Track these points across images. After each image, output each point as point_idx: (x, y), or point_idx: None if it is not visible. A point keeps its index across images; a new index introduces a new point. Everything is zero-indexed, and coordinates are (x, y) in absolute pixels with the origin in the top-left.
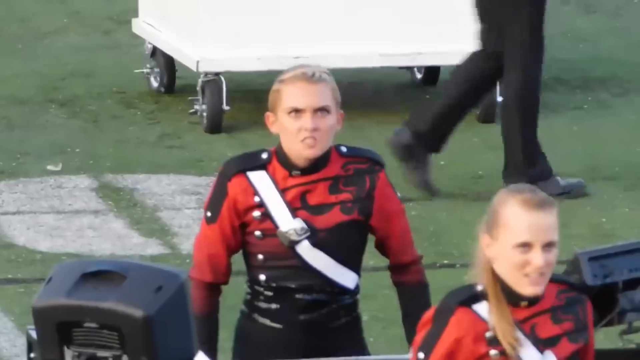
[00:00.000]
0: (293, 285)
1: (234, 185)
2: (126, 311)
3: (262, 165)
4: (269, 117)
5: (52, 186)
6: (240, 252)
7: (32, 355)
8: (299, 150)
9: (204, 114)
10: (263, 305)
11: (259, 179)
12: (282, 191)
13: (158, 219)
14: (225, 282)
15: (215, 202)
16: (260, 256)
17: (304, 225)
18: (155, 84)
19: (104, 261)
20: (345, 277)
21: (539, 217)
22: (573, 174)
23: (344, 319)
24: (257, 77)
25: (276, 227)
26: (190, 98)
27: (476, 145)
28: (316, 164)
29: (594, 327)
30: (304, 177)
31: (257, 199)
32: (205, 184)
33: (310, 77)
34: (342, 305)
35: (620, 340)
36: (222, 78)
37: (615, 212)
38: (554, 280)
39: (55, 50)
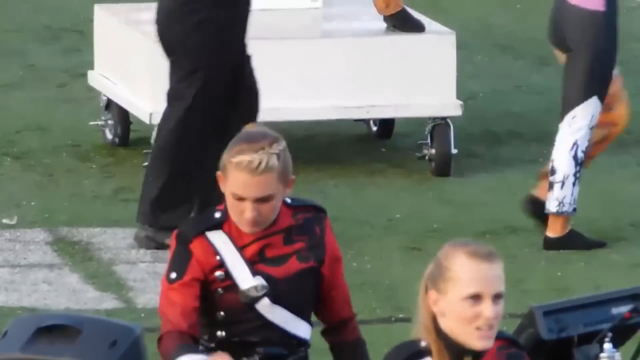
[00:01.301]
0: (253, 339)
1: (196, 247)
2: None
3: (218, 224)
4: (220, 177)
5: (7, 239)
6: None
7: None
8: (241, 225)
9: None
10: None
11: (218, 238)
12: (241, 249)
13: (113, 273)
14: (197, 337)
15: (179, 264)
16: (221, 313)
17: (263, 282)
18: (109, 136)
19: (59, 315)
20: (302, 329)
21: (487, 268)
22: (528, 226)
23: None
24: None
25: (236, 285)
26: (145, 151)
27: (431, 198)
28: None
29: None
30: (261, 231)
31: (218, 258)
32: None
33: (254, 170)
34: (297, 358)
35: None
36: None
37: (571, 266)
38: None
39: (10, 102)
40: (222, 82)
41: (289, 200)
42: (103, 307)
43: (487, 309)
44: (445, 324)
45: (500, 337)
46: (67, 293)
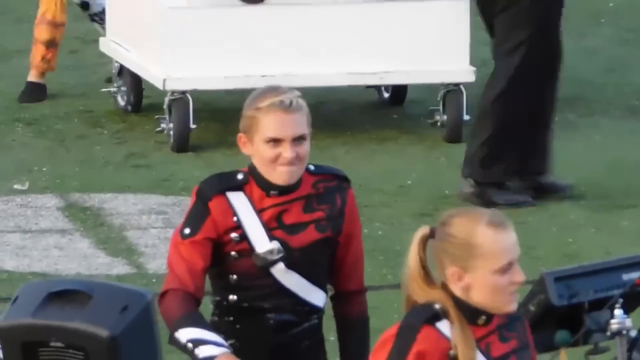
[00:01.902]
0: (265, 306)
1: (215, 206)
2: (92, 331)
3: (240, 186)
4: (242, 138)
5: (19, 205)
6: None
7: None
8: (276, 177)
9: (171, 132)
10: (231, 325)
11: (238, 199)
12: (259, 212)
13: (124, 238)
14: (201, 301)
15: (195, 220)
16: (234, 277)
17: (279, 247)
18: (122, 103)
19: (70, 281)
20: (315, 296)
21: (511, 236)
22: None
23: (310, 340)
24: (223, 96)
25: (252, 249)
26: (157, 117)
27: (443, 165)
28: (292, 185)
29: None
30: (281, 197)
31: (235, 219)
32: (172, 203)
33: (287, 107)
34: (310, 326)
35: None
36: (189, 97)
37: (582, 232)
38: None
39: (22, 69)
40: (551, 43)
41: (312, 167)
42: (114, 272)
43: (518, 273)
44: (473, 296)
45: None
46: (78, 258)
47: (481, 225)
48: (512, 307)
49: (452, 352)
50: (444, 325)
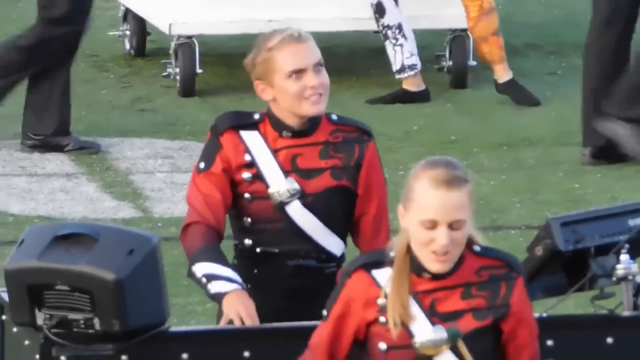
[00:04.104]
0: (280, 250)
1: (226, 140)
2: (97, 274)
3: (254, 125)
4: (259, 85)
5: (25, 149)
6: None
7: (3, 317)
8: (305, 109)
9: (177, 77)
10: (248, 270)
11: (251, 137)
12: (274, 152)
13: (130, 182)
14: (223, 234)
15: (208, 154)
16: (248, 219)
17: (296, 185)
18: (127, 46)
19: (75, 224)
20: (332, 243)
21: (445, 195)
22: (545, 138)
23: (328, 287)
24: (228, 41)
25: (267, 186)
26: (163, 61)
27: (448, 110)
28: (307, 128)
29: (565, 293)
30: (295, 139)
31: (247, 157)
32: (178, 147)
33: (299, 37)
34: (328, 273)
35: (592, 306)
36: (195, 41)
37: (587, 177)
38: (484, 255)
39: (28, 13)
40: None
41: (334, 117)
42: (120, 216)
43: (441, 236)
44: (411, 239)
45: (492, 256)
46: (84, 202)
47: (426, 174)
48: (434, 267)
49: (380, 300)
50: (382, 273)
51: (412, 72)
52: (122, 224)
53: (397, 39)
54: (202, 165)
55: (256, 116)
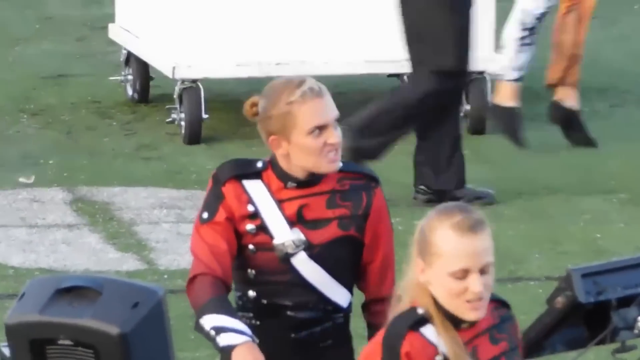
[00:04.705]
0: (286, 303)
1: (229, 190)
2: (102, 328)
3: (257, 174)
4: (275, 140)
5: (25, 199)
6: None
7: None
8: (324, 167)
9: (182, 123)
10: (252, 322)
11: (254, 187)
12: (278, 202)
13: (135, 233)
14: (230, 285)
15: (211, 204)
16: (252, 271)
17: (301, 236)
18: (130, 92)
19: (78, 276)
20: (339, 294)
21: (473, 241)
22: (567, 187)
23: (335, 339)
24: (236, 86)
25: (272, 238)
26: (167, 107)
27: (467, 157)
28: (313, 178)
29: (586, 346)
30: (300, 189)
31: (251, 208)
32: (184, 197)
33: (319, 92)
34: (334, 325)
35: (613, 359)
36: (200, 85)
37: (610, 227)
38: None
39: (27, 57)
40: None
41: (339, 163)
42: (124, 268)
43: (475, 284)
44: (436, 293)
45: (492, 299)
46: (87, 254)
47: (446, 223)
48: (472, 315)
49: (438, 358)
50: (429, 331)
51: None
52: (127, 276)
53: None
54: (205, 215)
55: (259, 165)
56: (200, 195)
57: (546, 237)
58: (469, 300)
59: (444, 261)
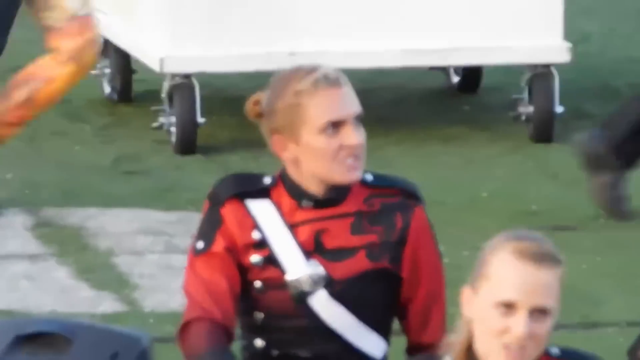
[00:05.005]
0: (302, 354)
1: (229, 213)
2: None
3: (265, 191)
4: (278, 140)
5: None
6: None
7: None
8: (339, 175)
9: (172, 129)
10: None
11: (261, 208)
12: (291, 227)
13: (114, 266)
14: (233, 332)
15: (206, 231)
16: (260, 314)
17: (320, 270)
18: (107, 89)
19: (43, 321)
20: (370, 342)
21: (531, 272)
22: None
23: None
24: (240, 82)
25: (283, 272)
26: (153, 108)
27: (528, 171)
28: (334, 195)
29: None
30: (318, 210)
31: (257, 235)
32: (175, 220)
33: (336, 80)
34: None
35: None
36: (195, 81)
37: None
38: None
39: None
40: None
41: (369, 177)
42: (100, 310)
43: (520, 323)
44: (476, 333)
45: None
46: (54, 292)
47: (509, 244)
48: None
49: None
50: None
51: None
52: (103, 320)
53: None
54: (199, 245)
55: (266, 180)
56: (195, 219)
57: (629, 273)
58: (507, 345)
59: (491, 287)
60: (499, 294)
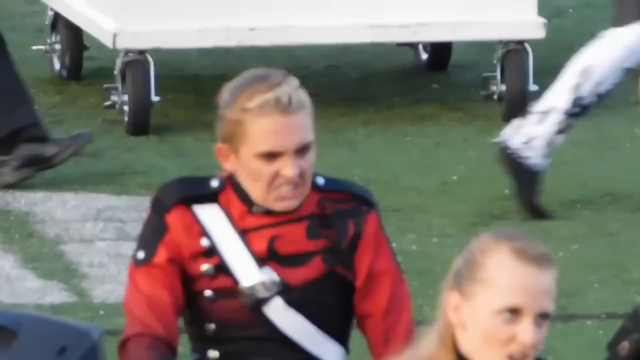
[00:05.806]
0: None
1: (175, 220)
2: None
3: (213, 196)
4: (222, 149)
5: None
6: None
7: None
8: (273, 202)
9: (125, 107)
10: None
11: (209, 214)
12: (242, 233)
13: (61, 254)
14: (176, 347)
15: (148, 240)
16: (211, 325)
17: (275, 276)
18: (57, 66)
19: None
20: (329, 351)
21: (536, 275)
22: (636, 194)
23: None
24: (196, 59)
25: (236, 282)
26: (105, 86)
27: None
28: None
29: None
30: (270, 216)
31: (205, 242)
32: (126, 205)
33: (286, 106)
34: None
35: None
36: (150, 58)
37: None
38: None
39: None
40: None
41: (320, 181)
42: (47, 301)
43: (527, 331)
44: (466, 341)
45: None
46: None
47: (506, 245)
48: None
49: None
50: None
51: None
52: (51, 312)
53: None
54: (140, 255)
55: (214, 183)
56: (148, 204)
57: (608, 262)
58: (511, 354)
59: (491, 292)
60: (502, 299)
